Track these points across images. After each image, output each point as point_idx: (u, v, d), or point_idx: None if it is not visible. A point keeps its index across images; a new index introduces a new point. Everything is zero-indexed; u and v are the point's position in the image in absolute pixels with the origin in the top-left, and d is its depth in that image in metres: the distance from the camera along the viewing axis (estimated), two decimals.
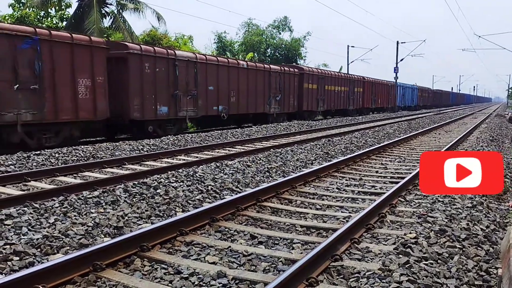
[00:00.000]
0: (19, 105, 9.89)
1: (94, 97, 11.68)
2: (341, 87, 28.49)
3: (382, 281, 2.96)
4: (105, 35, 20.20)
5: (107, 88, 12.06)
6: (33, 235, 3.84)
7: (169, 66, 14.18)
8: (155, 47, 14.42)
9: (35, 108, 10.23)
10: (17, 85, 9.80)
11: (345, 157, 8.50)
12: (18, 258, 3.36)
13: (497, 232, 4.23)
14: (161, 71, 13.87)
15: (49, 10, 21.38)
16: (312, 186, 6.39)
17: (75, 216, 4.49)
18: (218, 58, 17.65)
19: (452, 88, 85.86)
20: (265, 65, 21.06)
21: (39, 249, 3.54)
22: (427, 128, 17.53)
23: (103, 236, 3.93)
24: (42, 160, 8.31)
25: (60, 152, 9.13)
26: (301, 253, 3.65)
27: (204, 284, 3.04)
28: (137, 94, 13.09)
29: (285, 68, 22.47)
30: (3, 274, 3.09)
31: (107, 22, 23.40)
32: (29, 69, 10.12)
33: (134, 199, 5.11)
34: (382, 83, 37.44)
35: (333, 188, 6.26)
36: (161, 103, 13.98)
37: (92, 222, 4.18)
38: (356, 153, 9.19)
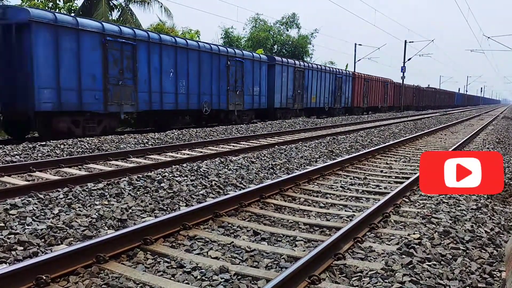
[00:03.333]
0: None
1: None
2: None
3: (385, 281, 2.95)
4: None
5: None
6: (38, 225, 3.86)
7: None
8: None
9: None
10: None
11: (350, 156, 8.48)
12: (22, 248, 3.38)
13: (502, 235, 4.20)
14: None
15: (57, 1, 21.40)
16: (316, 184, 6.38)
17: (79, 207, 4.50)
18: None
19: (459, 89, 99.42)
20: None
21: (43, 240, 3.56)
22: (433, 129, 17.43)
23: (106, 228, 3.95)
24: (48, 151, 8.36)
25: (65, 144, 9.18)
26: (304, 250, 3.65)
27: (206, 279, 3.04)
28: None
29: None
30: (7, 264, 3.12)
31: (115, 14, 23.43)
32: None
33: (138, 192, 5.13)
34: (450, 92, 74.51)
35: (337, 187, 6.24)
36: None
37: (96, 214, 4.19)
38: (361, 152, 9.16)
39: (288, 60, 22.53)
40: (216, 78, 16.99)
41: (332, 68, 28.42)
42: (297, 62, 23.30)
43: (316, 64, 26.32)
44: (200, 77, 16.12)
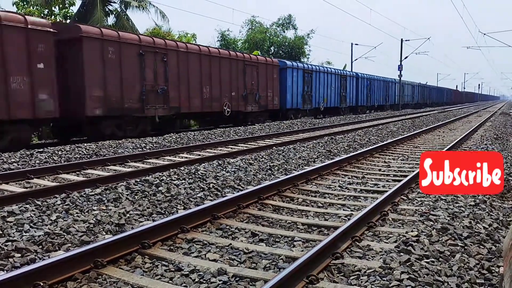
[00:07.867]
0: None
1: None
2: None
3: (383, 279, 2.95)
4: None
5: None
6: (35, 232, 3.85)
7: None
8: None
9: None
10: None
11: (348, 155, 8.48)
12: (19, 254, 3.37)
13: (500, 231, 4.20)
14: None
15: (53, 8, 21.43)
16: (314, 184, 6.38)
17: (77, 213, 4.50)
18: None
19: (456, 86, 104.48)
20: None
21: (40, 246, 3.55)
22: (431, 126, 17.44)
23: (104, 233, 3.94)
24: (45, 158, 8.35)
25: (63, 150, 9.17)
26: (302, 250, 3.64)
27: (204, 281, 3.04)
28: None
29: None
30: (5, 271, 3.11)
31: (110, 20, 23.44)
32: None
33: (136, 197, 5.12)
34: (473, 93, 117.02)
35: (335, 186, 6.24)
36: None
37: (94, 219, 4.19)
38: (359, 151, 9.16)
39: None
40: None
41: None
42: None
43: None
44: None
